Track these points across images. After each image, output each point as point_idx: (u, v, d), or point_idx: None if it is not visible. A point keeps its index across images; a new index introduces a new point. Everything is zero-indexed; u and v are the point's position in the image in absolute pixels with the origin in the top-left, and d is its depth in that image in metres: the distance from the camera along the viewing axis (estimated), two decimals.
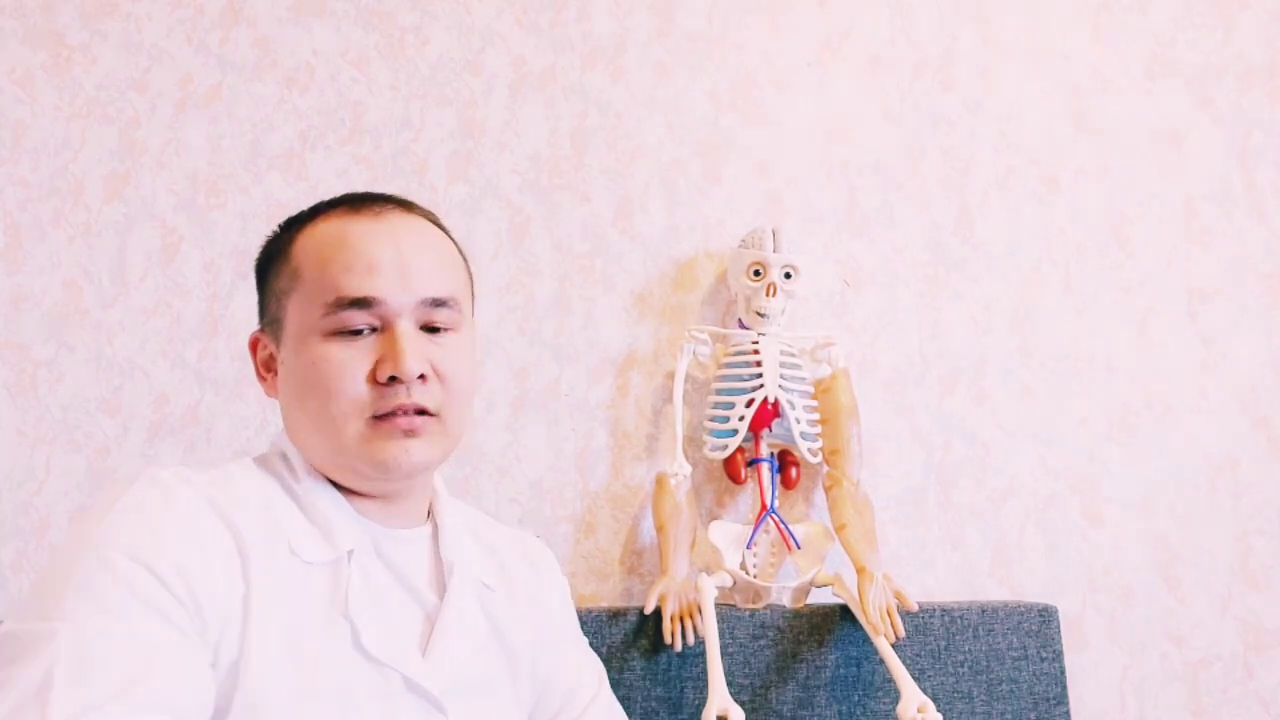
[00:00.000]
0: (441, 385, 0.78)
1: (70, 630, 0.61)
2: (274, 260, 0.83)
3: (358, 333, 0.76)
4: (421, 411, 0.77)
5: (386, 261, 0.77)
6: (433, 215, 0.86)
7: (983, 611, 1.31)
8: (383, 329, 0.77)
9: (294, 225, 0.83)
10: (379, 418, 0.76)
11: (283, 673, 0.69)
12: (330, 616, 0.74)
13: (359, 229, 0.79)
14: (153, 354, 1.39)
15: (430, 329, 0.79)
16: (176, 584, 0.66)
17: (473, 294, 0.88)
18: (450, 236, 0.86)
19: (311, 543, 0.75)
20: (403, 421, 0.76)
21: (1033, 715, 1.28)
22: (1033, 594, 1.43)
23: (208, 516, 0.71)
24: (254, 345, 0.85)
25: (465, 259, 0.87)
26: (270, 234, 0.86)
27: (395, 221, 0.80)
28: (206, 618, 0.67)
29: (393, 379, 0.75)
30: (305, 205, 1.51)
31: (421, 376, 0.76)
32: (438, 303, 0.79)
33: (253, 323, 1.40)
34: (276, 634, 0.70)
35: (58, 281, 1.40)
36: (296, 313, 0.78)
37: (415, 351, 0.76)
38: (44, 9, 1.48)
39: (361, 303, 0.76)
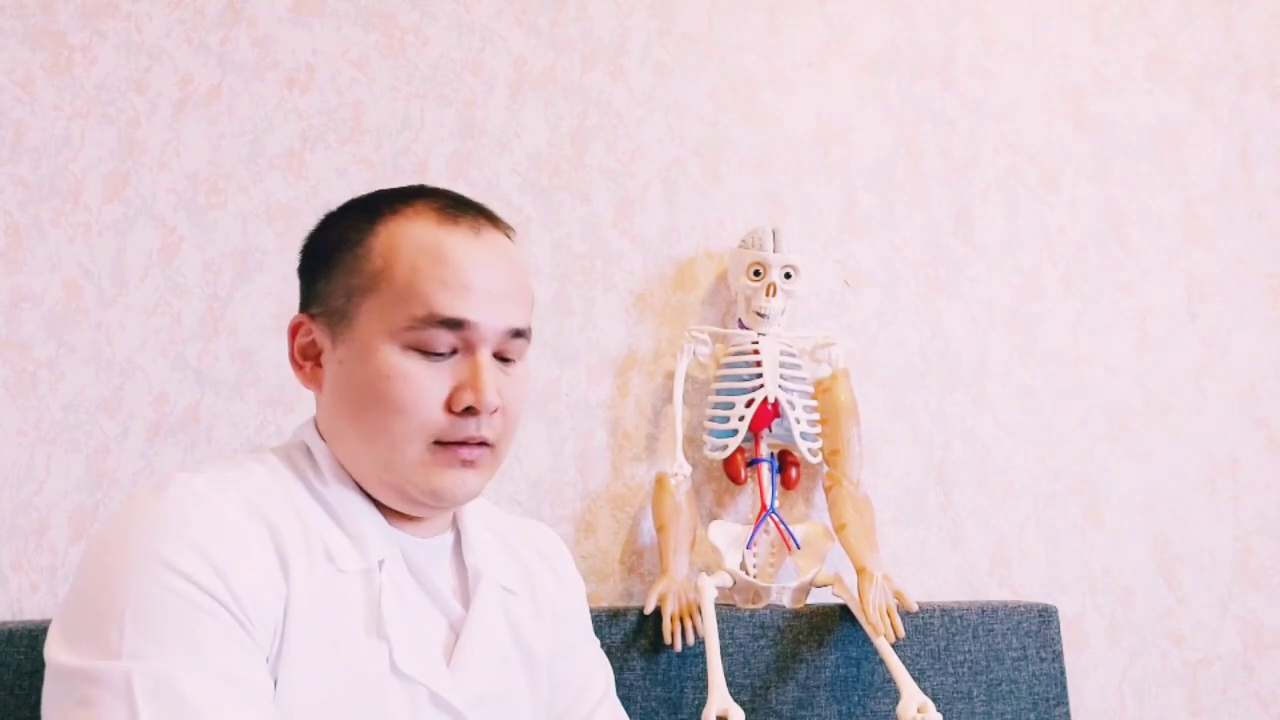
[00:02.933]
0: (504, 417, 0.77)
1: (143, 669, 0.60)
2: (344, 248, 0.77)
3: (439, 353, 0.74)
4: (482, 443, 0.75)
5: (481, 285, 0.75)
6: (511, 230, 0.83)
7: (983, 611, 1.31)
8: (464, 353, 0.75)
9: (372, 214, 0.78)
10: (442, 444, 0.74)
11: (319, 686, 0.69)
12: (366, 632, 0.72)
13: (457, 243, 0.75)
14: (153, 354, 1.39)
15: (502, 358, 0.78)
16: (230, 600, 0.65)
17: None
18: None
19: (345, 551, 0.74)
20: (465, 453, 0.74)
21: (1033, 715, 1.28)
22: (1033, 594, 1.43)
23: (247, 523, 0.69)
24: (295, 329, 0.80)
25: None
26: (331, 214, 0.82)
27: (491, 241, 0.78)
28: (259, 630, 0.67)
29: (468, 409, 0.73)
30: (305, 205, 1.52)
31: (493, 410, 0.75)
32: (518, 333, 0.77)
33: (252, 322, 1.41)
34: (315, 645, 0.69)
35: (58, 281, 1.40)
36: (373, 316, 0.74)
37: (493, 384, 0.74)
38: (44, 9, 1.48)
39: (453, 324, 0.73)
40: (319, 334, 0.78)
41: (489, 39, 1.53)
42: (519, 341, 0.78)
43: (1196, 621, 1.44)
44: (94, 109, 1.46)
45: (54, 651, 0.63)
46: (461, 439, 0.74)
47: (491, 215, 0.81)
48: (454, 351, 0.75)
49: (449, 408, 0.74)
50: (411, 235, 0.76)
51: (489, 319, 0.75)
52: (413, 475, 0.74)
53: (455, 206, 0.78)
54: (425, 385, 0.73)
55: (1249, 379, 1.52)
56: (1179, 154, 1.58)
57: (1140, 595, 1.44)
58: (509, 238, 0.82)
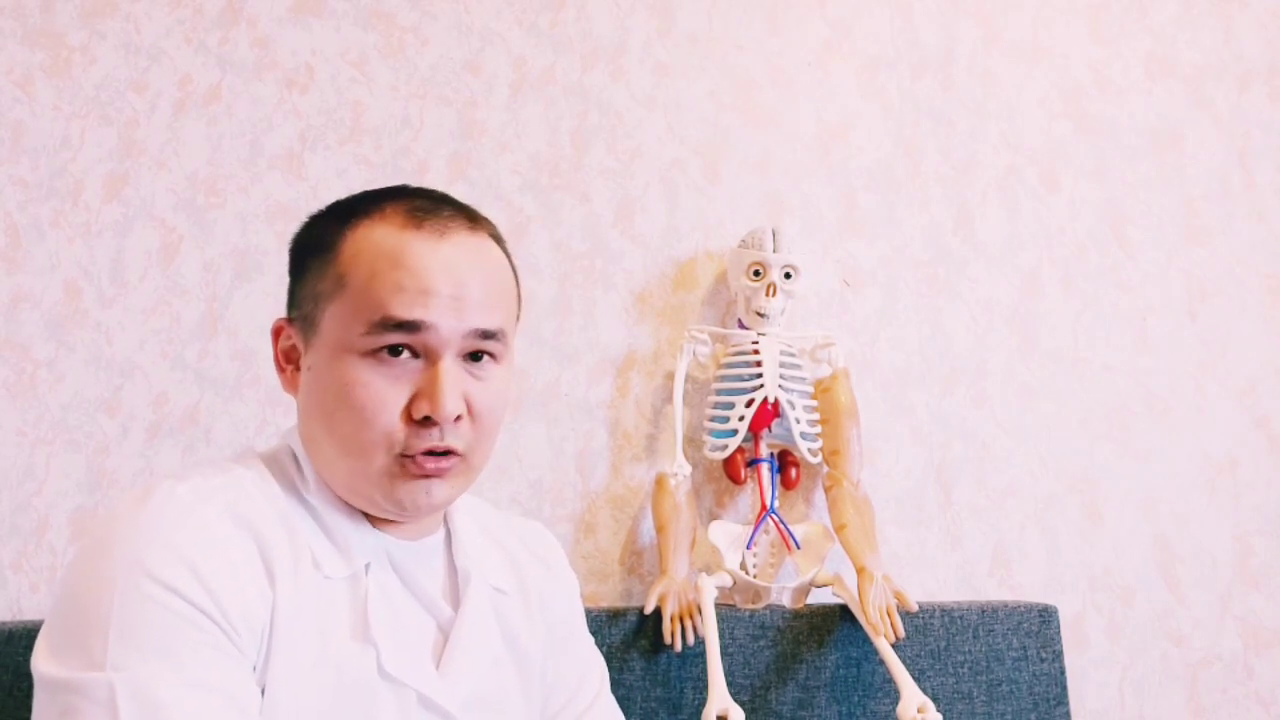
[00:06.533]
0: (473, 424, 0.74)
1: (126, 680, 0.60)
2: (317, 252, 0.76)
3: (397, 353, 0.72)
4: (449, 452, 0.73)
5: (442, 289, 0.72)
6: (494, 229, 0.80)
7: (983, 611, 1.31)
8: (425, 358, 0.73)
9: (345, 217, 0.76)
10: (407, 456, 0.72)
11: (306, 693, 0.69)
12: (353, 637, 0.72)
13: (419, 247, 0.73)
14: (152, 354, 1.39)
15: (472, 356, 0.75)
16: (215, 610, 0.64)
17: (518, 316, 0.82)
18: (507, 253, 0.81)
19: (330, 557, 0.74)
20: (429, 465, 0.72)
21: (1033, 715, 1.28)
22: (1033, 594, 1.43)
23: (233, 531, 0.68)
24: (277, 332, 0.79)
25: (518, 280, 0.82)
26: (313, 215, 0.80)
27: (458, 243, 0.75)
28: (245, 639, 0.66)
29: (427, 419, 0.71)
30: (305, 206, 1.51)
31: (457, 417, 0.73)
32: (486, 334, 0.74)
33: (252, 323, 1.41)
34: (302, 652, 0.69)
35: (57, 281, 1.40)
36: (335, 322, 0.73)
37: (454, 391, 0.72)
38: (44, 9, 1.48)
39: (409, 326, 0.71)
40: (296, 338, 0.78)
41: (489, 39, 1.53)
42: (490, 342, 0.75)
43: (1196, 621, 1.44)
44: (93, 109, 1.46)
45: (39, 662, 0.63)
46: (424, 449, 0.72)
47: (468, 214, 0.78)
48: (414, 354, 0.73)
49: (408, 417, 0.72)
50: (374, 240, 0.74)
51: (449, 321, 0.72)
52: (378, 486, 0.73)
53: (423, 209, 0.76)
54: (384, 393, 0.71)
55: (1249, 379, 1.52)
56: (1179, 154, 1.58)
57: (1140, 595, 1.44)
58: (490, 235, 0.79)
